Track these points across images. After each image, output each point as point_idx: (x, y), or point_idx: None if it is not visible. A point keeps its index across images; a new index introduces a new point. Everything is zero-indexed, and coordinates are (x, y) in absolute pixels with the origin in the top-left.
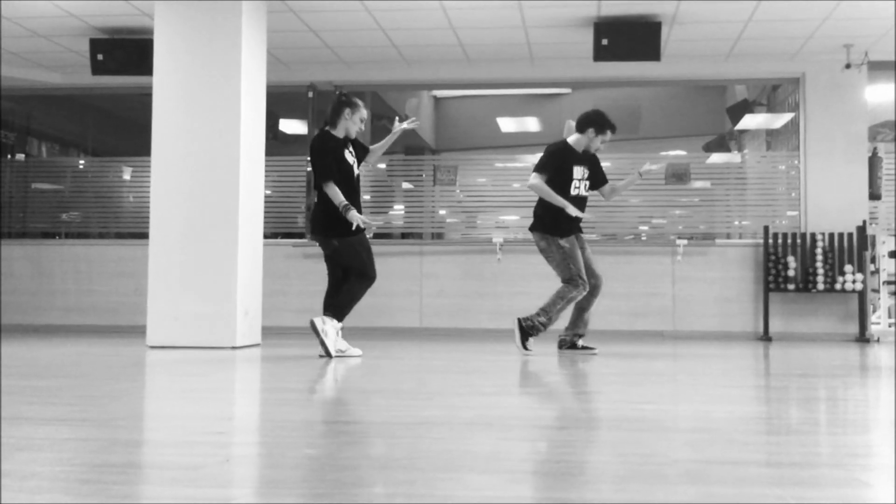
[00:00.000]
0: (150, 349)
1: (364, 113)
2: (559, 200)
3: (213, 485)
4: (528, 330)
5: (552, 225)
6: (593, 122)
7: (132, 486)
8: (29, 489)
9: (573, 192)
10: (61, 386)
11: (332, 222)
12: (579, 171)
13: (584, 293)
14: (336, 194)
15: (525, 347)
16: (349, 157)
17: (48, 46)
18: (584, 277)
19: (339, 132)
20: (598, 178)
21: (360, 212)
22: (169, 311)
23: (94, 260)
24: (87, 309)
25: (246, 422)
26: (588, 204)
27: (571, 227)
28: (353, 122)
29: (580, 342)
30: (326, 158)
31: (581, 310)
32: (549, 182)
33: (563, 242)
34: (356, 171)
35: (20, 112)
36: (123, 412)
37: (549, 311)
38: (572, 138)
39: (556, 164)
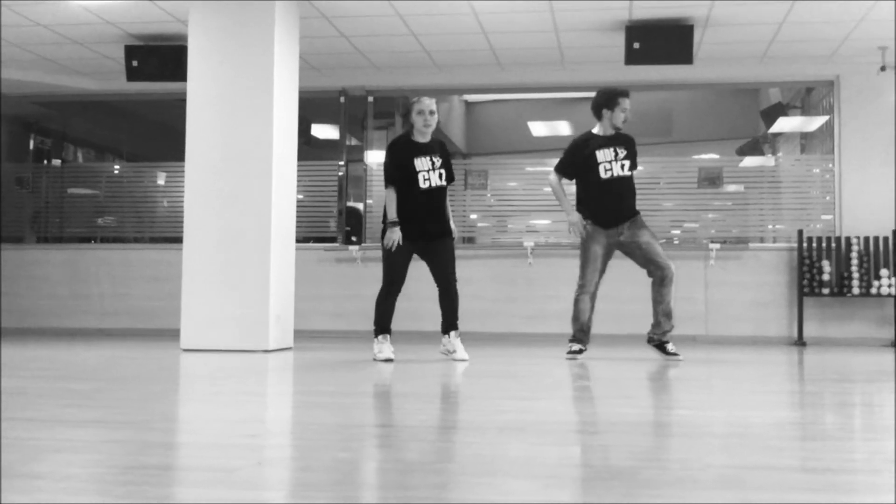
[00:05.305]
0: (184, 352)
1: (424, 104)
2: (562, 201)
3: (246, 487)
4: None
5: (585, 213)
6: (601, 103)
7: (166, 487)
8: (65, 490)
9: (604, 174)
10: (97, 388)
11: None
12: (608, 154)
13: (587, 300)
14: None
15: (571, 353)
16: (421, 162)
17: (84, 53)
18: (587, 284)
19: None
20: (633, 161)
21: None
22: (203, 315)
23: (129, 264)
24: (123, 312)
25: (279, 425)
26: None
27: (604, 218)
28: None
29: (669, 346)
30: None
31: (655, 303)
32: (574, 174)
33: (584, 236)
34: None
35: (56, 118)
36: (158, 415)
37: (572, 322)
38: (596, 128)
39: (571, 158)
